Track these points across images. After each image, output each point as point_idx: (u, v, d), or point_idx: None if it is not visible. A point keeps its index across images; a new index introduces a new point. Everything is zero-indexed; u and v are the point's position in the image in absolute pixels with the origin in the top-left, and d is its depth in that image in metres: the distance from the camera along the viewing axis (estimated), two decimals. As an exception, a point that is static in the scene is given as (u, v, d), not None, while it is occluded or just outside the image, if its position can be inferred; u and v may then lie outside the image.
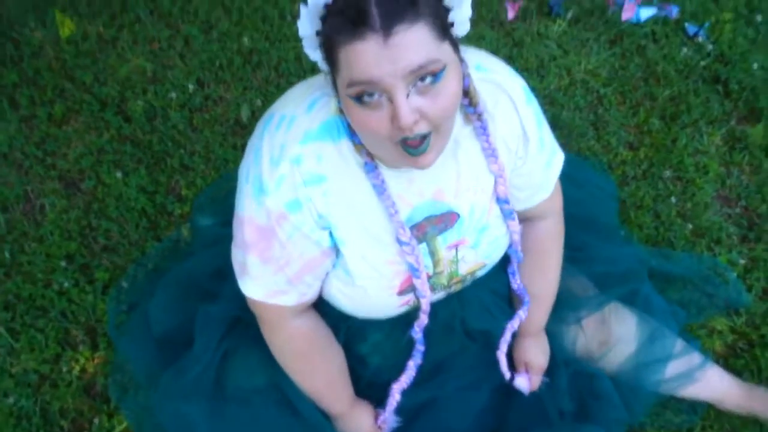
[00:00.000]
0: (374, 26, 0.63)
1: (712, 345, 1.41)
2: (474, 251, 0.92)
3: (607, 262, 1.28)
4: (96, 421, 1.37)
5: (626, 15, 2.03)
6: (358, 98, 0.68)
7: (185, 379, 1.06)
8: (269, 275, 0.88)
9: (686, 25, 2.04)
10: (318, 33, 0.71)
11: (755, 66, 1.92)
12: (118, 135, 1.81)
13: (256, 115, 1.85)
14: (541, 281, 1.07)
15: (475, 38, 1.98)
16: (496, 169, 0.88)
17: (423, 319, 0.94)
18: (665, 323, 1.25)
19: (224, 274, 1.04)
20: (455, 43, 0.72)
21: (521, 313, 1.06)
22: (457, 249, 0.90)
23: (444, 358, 1.06)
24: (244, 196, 0.85)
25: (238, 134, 1.82)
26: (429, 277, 0.91)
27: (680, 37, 2.03)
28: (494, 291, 1.08)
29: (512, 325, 1.06)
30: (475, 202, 0.89)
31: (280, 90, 1.90)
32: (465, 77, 0.79)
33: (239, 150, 1.78)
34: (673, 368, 1.18)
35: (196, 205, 1.58)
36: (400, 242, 0.85)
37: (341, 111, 0.78)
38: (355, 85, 0.67)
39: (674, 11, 2.05)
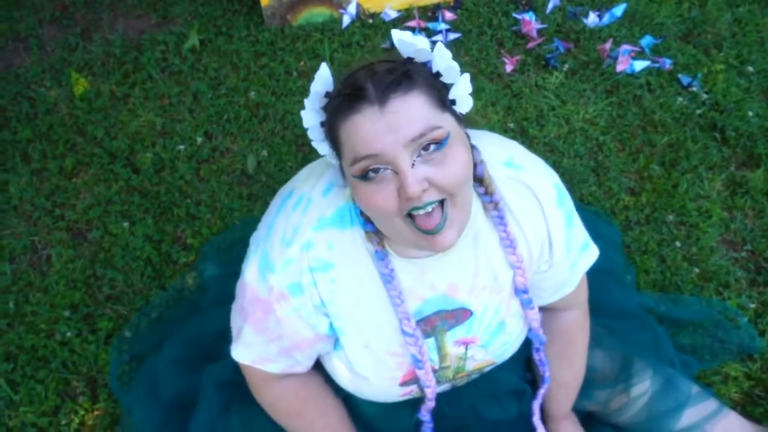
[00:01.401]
0: (370, 98, 0.66)
1: (728, 392, 1.37)
2: (484, 350, 0.90)
3: (619, 312, 1.26)
4: (92, 477, 1.33)
5: (621, 67, 2.10)
6: (364, 176, 0.68)
7: None
8: (260, 344, 0.88)
9: (680, 76, 2.10)
10: (322, 124, 0.73)
11: (750, 114, 1.96)
12: (127, 186, 1.85)
13: (261, 166, 1.89)
14: (567, 370, 1.04)
15: (475, 91, 2.03)
16: (514, 261, 0.84)
17: (429, 404, 0.92)
18: (679, 370, 1.22)
19: (229, 336, 1.04)
20: (459, 119, 0.73)
21: (542, 391, 1.03)
22: (467, 347, 0.88)
23: None
24: (251, 265, 0.85)
25: (244, 184, 1.85)
26: (435, 371, 0.89)
27: (675, 87, 2.08)
28: (505, 383, 1.05)
29: (537, 403, 1.04)
30: (490, 303, 0.86)
31: (286, 141, 1.96)
32: (478, 164, 0.79)
33: (245, 199, 1.80)
34: (689, 416, 1.14)
35: (202, 253, 1.60)
36: (404, 333, 0.83)
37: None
38: (359, 161, 0.68)
39: (667, 63, 2.11)
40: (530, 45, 2.18)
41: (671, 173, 1.87)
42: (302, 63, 2.16)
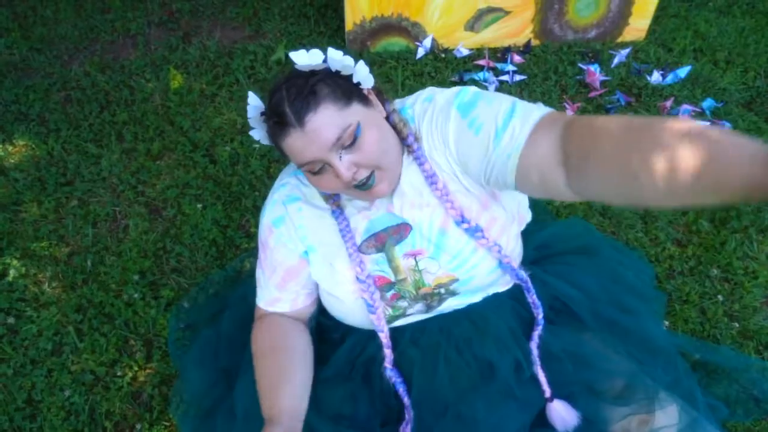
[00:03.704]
0: (292, 122, 0.81)
1: (756, 446, 1.37)
2: (436, 262, 0.96)
3: (646, 339, 1.28)
4: (138, 426, 1.43)
5: (679, 124, 2.16)
6: (310, 171, 0.87)
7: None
8: (264, 281, 1.04)
9: (738, 139, 2.14)
10: (268, 134, 0.90)
11: (807, 183, 1.98)
12: (203, 173, 2.02)
13: (326, 172, 2.03)
14: (659, 139, 0.61)
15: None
16: (438, 195, 0.92)
17: (388, 354, 0.98)
18: (706, 415, 1.23)
19: None
20: (365, 98, 0.87)
21: (536, 335, 1.03)
22: (416, 259, 0.97)
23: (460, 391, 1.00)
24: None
25: (309, 186, 2.00)
26: (393, 284, 0.97)
27: (732, 150, 2.12)
28: (510, 324, 1.04)
29: (534, 344, 1.01)
30: (422, 217, 0.95)
31: (351, 153, 2.10)
32: (390, 114, 0.92)
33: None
34: None
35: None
36: (357, 280, 0.96)
37: None
38: (303, 166, 0.86)
39: (727, 126, 2.17)
40: (592, 94, 2.28)
41: (720, 230, 1.90)
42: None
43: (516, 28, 2.46)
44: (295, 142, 0.83)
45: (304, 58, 0.83)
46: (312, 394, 0.97)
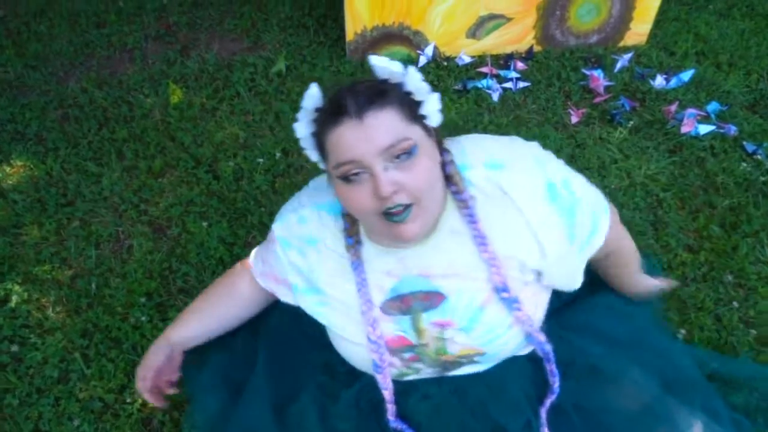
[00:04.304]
0: (350, 113, 0.77)
1: (782, 457, 1.35)
2: (465, 335, 0.92)
3: (664, 354, 1.26)
4: (149, 455, 1.40)
5: (685, 129, 2.15)
6: (345, 178, 0.79)
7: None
8: (260, 255, 1.07)
9: (744, 143, 2.13)
10: (313, 134, 0.85)
11: (816, 186, 1.98)
12: (207, 190, 1.99)
13: (332, 185, 2.01)
14: (620, 259, 1.09)
15: (540, 137, 2.13)
16: (486, 257, 0.88)
17: (390, 409, 0.97)
18: (728, 427, 1.21)
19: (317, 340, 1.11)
20: (428, 130, 0.83)
21: (548, 402, 1.02)
22: (443, 328, 0.92)
23: None
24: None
25: (315, 200, 1.97)
26: (413, 347, 0.94)
27: (739, 153, 2.12)
28: (526, 391, 1.03)
29: (545, 410, 1.01)
30: (464, 288, 0.90)
31: (357, 165, 2.07)
32: (447, 164, 0.88)
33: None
34: None
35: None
36: (369, 340, 0.92)
37: None
38: (341, 166, 0.78)
39: (732, 129, 2.16)
40: (597, 100, 2.27)
41: (731, 235, 1.88)
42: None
43: (518, 35, 2.45)
44: (345, 133, 0.77)
45: (384, 62, 0.80)
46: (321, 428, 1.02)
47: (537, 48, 2.49)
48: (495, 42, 2.45)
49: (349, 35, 2.37)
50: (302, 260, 0.97)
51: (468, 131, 2.31)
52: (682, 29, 2.65)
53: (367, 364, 0.97)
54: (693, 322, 1.65)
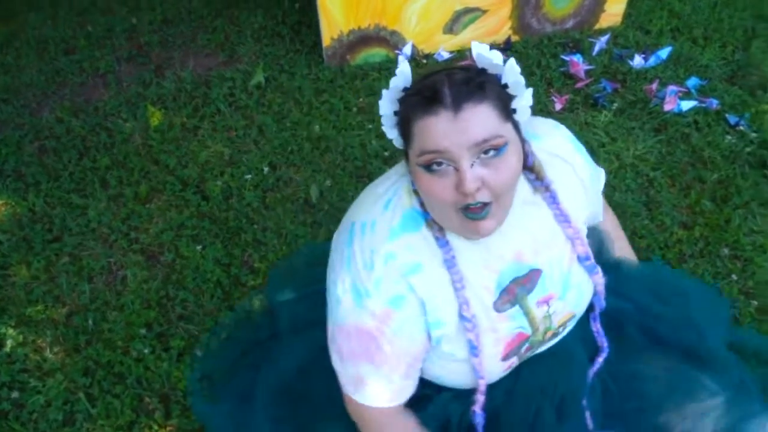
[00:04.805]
0: (446, 104, 0.74)
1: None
2: (563, 302, 0.95)
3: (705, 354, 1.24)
4: (167, 490, 1.37)
5: (668, 106, 2.17)
6: (428, 167, 0.77)
7: None
8: (385, 377, 0.88)
9: (727, 115, 2.15)
10: (396, 113, 0.82)
11: (800, 152, 2.00)
12: (197, 212, 1.95)
13: (324, 195, 1.98)
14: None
15: (526, 127, 2.12)
16: (571, 233, 0.92)
17: (480, 400, 0.94)
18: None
19: (311, 373, 1.08)
20: (517, 126, 0.82)
21: (599, 360, 1.06)
22: (548, 304, 0.93)
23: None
24: (342, 306, 0.87)
25: (308, 212, 1.94)
26: (528, 338, 0.93)
27: (722, 126, 2.14)
28: (583, 339, 1.07)
29: (593, 372, 1.06)
30: (554, 256, 0.92)
31: (347, 173, 2.05)
32: (528, 155, 0.87)
33: (308, 226, 1.89)
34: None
35: (271, 278, 1.66)
36: (462, 318, 0.87)
37: (414, 202, 0.87)
38: (426, 154, 0.76)
39: (714, 103, 2.17)
40: (579, 85, 2.27)
41: (723, 208, 1.90)
42: (360, 99, 2.28)
43: (494, 26, 2.44)
44: (438, 124, 0.74)
45: (485, 51, 0.77)
46: None
47: (515, 38, 2.49)
48: (472, 35, 2.44)
49: (326, 41, 2.35)
50: (417, 300, 0.86)
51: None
52: (656, 7, 2.67)
53: (468, 377, 0.93)
54: (695, 298, 1.66)
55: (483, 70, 0.79)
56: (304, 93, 2.31)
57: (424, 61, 2.40)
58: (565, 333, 1.01)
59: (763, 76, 2.30)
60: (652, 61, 2.33)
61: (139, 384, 1.57)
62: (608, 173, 2.01)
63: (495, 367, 0.93)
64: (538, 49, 2.43)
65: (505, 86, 0.79)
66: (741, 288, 1.70)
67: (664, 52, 2.34)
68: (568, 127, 2.30)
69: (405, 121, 0.80)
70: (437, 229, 0.86)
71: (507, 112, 0.78)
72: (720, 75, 2.32)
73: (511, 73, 0.78)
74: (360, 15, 2.29)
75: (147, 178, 2.08)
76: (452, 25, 2.39)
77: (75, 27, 2.81)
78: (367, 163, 2.07)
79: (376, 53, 2.41)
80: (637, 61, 2.33)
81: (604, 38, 2.43)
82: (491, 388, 0.97)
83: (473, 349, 0.88)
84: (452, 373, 0.94)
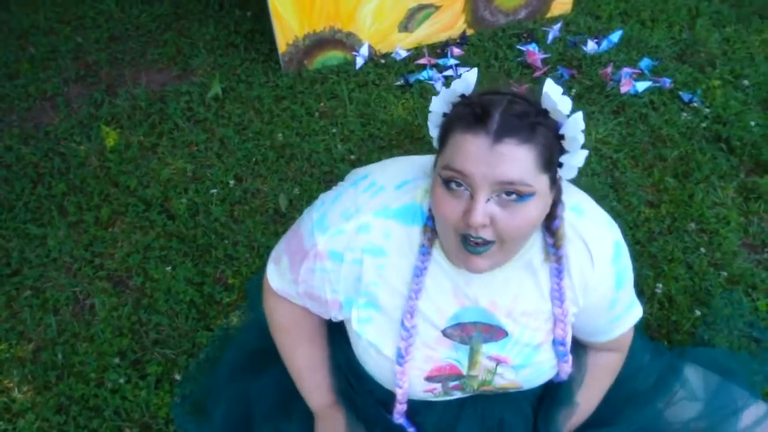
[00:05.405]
0: (489, 129, 0.70)
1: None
2: (515, 372, 0.92)
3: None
4: None
5: (624, 88, 2.21)
6: (447, 182, 0.74)
7: None
8: (289, 279, 0.97)
9: (680, 93, 2.21)
10: (444, 114, 0.80)
11: (752, 123, 2.07)
12: (164, 232, 1.89)
13: (293, 204, 1.95)
14: (584, 394, 1.04)
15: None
16: (558, 313, 0.88)
17: (399, 408, 0.95)
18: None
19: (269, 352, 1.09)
20: (555, 181, 0.77)
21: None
22: (497, 364, 0.91)
23: None
24: (309, 218, 0.93)
25: (279, 222, 1.91)
26: (461, 376, 0.92)
27: (677, 104, 2.20)
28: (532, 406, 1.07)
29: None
30: (526, 329, 0.89)
31: (314, 179, 2.02)
32: (556, 218, 0.82)
33: (281, 236, 1.85)
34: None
35: (249, 291, 1.62)
36: (402, 326, 0.87)
37: (425, 201, 0.85)
38: (450, 170, 0.73)
39: (667, 82, 2.24)
40: (536, 74, 2.30)
41: (685, 184, 1.95)
42: (322, 104, 2.25)
43: (449, 21, 2.45)
44: (472, 146, 0.71)
45: (556, 93, 0.72)
46: None
47: (470, 31, 2.50)
48: (428, 32, 2.44)
49: (281, 47, 2.31)
50: (362, 276, 0.87)
51: (418, 126, 2.29)
52: (603, -8, 2.73)
53: (389, 376, 0.93)
54: (667, 274, 1.70)
55: (545, 111, 0.75)
56: (264, 101, 2.27)
57: (383, 61, 2.39)
58: (495, 394, 0.99)
59: (709, 53, 2.38)
60: (604, 45, 2.38)
61: (117, 416, 1.50)
62: (573, 158, 2.04)
63: (416, 381, 0.92)
64: (493, 41, 2.45)
65: (561, 137, 0.76)
66: (710, 260, 1.75)
67: (615, 36, 2.40)
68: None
69: (447, 127, 0.77)
70: (429, 238, 0.85)
71: (550, 163, 0.74)
72: (670, 54, 2.39)
73: (573, 127, 0.75)
74: (314, 19, 2.26)
75: (107, 201, 2.00)
76: (407, 23, 2.39)
77: (16, 50, 2.69)
78: (334, 167, 2.04)
79: (333, 56, 2.39)
80: (591, 46, 2.38)
81: (556, 26, 2.46)
82: (422, 407, 0.97)
83: (400, 358, 0.89)
84: (376, 366, 0.94)
